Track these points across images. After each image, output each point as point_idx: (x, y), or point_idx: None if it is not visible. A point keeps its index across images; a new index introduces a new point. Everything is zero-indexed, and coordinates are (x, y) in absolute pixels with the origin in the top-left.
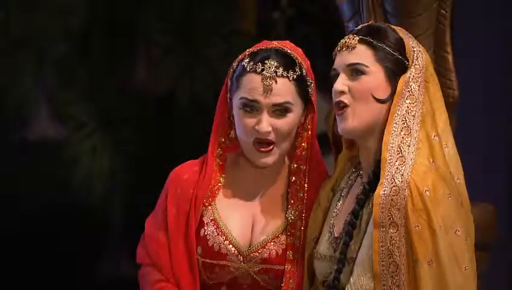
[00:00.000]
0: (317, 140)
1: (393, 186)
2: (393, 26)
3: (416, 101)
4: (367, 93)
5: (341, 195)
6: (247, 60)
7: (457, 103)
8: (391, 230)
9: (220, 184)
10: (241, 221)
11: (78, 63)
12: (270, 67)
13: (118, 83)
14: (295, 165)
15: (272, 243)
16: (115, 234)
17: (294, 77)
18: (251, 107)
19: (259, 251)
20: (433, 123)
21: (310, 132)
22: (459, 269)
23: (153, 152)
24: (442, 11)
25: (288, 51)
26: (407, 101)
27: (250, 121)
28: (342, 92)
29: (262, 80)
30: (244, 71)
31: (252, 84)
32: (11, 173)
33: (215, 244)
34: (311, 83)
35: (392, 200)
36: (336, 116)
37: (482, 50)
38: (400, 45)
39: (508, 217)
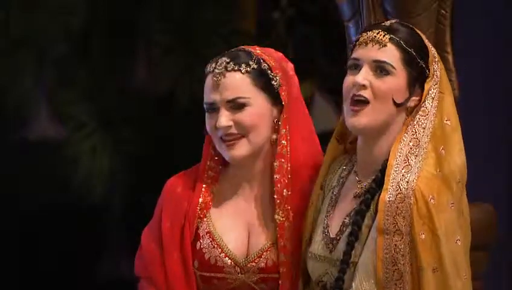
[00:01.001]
0: (305, 136)
1: (399, 193)
2: (415, 28)
3: (428, 114)
4: (388, 94)
5: (333, 194)
6: (208, 64)
7: (457, 103)
8: (396, 238)
9: (212, 195)
10: (236, 232)
11: (78, 63)
12: (221, 64)
13: (118, 83)
14: (277, 163)
15: (268, 251)
16: (115, 234)
17: (248, 69)
18: (212, 109)
19: (255, 261)
20: (443, 135)
21: (287, 128)
22: (459, 277)
23: (153, 152)
24: (442, 11)
25: (248, 48)
26: (419, 113)
27: (212, 121)
28: (364, 86)
29: (213, 77)
30: (205, 75)
31: (207, 85)
32: (11, 173)
33: (211, 257)
34: (275, 76)
35: (397, 207)
36: (349, 109)
37: (482, 50)
38: (425, 53)
39: (508, 217)
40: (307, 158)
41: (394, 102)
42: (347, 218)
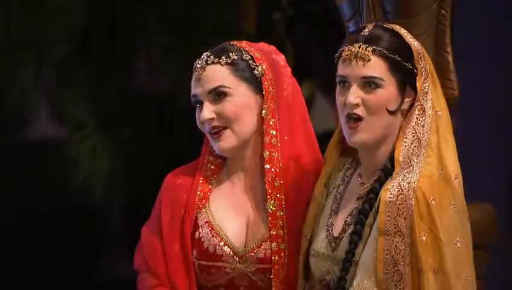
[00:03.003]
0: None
1: (400, 194)
2: (395, 28)
3: (424, 110)
4: (382, 106)
5: (338, 192)
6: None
7: (458, 103)
8: (396, 239)
9: (210, 186)
10: (235, 222)
11: (78, 63)
12: (202, 59)
13: (118, 83)
14: (267, 153)
15: (268, 242)
16: (115, 234)
17: (228, 61)
18: (197, 102)
19: (254, 251)
20: (438, 126)
21: (276, 117)
22: (460, 279)
23: (153, 152)
24: (442, 11)
25: (232, 42)
26: (416, 112)
27: (198, 116)
28: (357, 105)
29: (195, 72)
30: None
31: (192, 80)
32: (11, 173)
33: (210, 246)
34: (258, 65)
35: (398, 208)
36: (346, 127)
37: (482, 50)
38: (409, 54)
39: (508, 217)
40: (300, 148)
41: (388, 111)
42: (349, 217)
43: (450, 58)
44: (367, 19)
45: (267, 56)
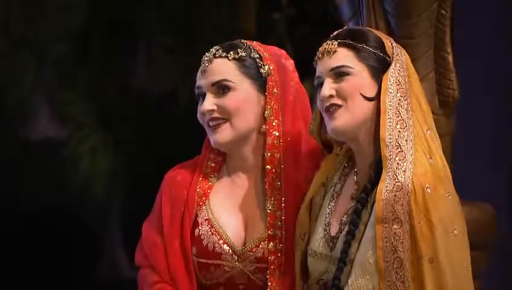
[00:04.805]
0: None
1: (396, 182)
2: (371, 29)
3: (405, 95)
4: (355, 91)
5: (334, 191)
6: None
7: (457, 103)
8: (395, 226)
9: (210, 183)
10: (235, 220)
11: (78, 63)
12: (211, 52)
13: (118, 83)
14: (269, 154)
15: (266, 241)
16: (115, 234)
17: (236, 56)
18: (200, 94)
19: (253, 250)
20: (423, 117)
21: (279, 119)
22: (459, 269)
23: (153, 152)
24: (442, 11)
25: (244, 40)
26: (398, 95)
27: (199, 108)
28: (331, 96)
29: (202, 64)
30: None
31: (198, 72)
32: (11, 173)
33: (209, 243)
34: (265, 65)
35: (395, 196)
36: (326, 119)
37: (482, 50)
38: (380, 44)
39: (508, 217)
40: (302, 150)
41: (365, 97)
42: (344, 216)
43: (450, 58)
44: (367, 19)
45: (276, 59)
